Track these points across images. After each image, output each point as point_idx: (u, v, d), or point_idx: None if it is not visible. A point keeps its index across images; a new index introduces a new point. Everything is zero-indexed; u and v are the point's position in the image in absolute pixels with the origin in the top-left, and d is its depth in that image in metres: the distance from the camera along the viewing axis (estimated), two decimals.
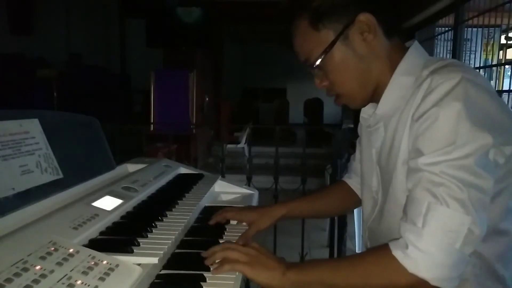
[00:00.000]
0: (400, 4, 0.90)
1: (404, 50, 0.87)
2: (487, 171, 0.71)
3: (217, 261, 0.82)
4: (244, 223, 1.10)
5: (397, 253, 0.71)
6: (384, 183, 0.91)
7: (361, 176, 1.05)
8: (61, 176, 0.95)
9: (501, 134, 0.73)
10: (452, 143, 0.71)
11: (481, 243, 0.75)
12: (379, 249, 0.76)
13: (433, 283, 0.68)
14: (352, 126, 6.73)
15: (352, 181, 1.19)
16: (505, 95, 3.12)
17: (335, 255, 2.65)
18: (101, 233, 0.83)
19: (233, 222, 1.10)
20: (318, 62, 0.85)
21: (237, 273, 0.80)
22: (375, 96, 0.90)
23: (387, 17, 0.85)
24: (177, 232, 0.88)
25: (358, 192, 1.17)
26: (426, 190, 0.71)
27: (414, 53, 0.87)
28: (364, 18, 0.82)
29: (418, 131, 0.76)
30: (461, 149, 0.70)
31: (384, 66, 0.86)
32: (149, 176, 1.20)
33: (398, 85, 0.85)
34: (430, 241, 0.68)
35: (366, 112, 0.99)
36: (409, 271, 0.69)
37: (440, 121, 0.72)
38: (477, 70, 3.17)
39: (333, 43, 0.83)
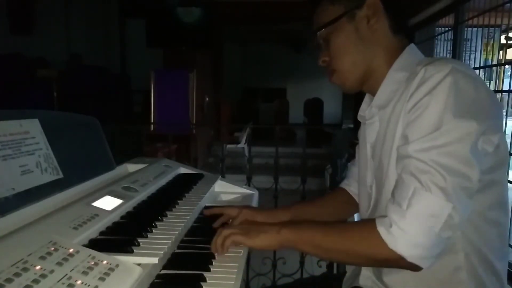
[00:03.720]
0: (406, 4, 0.99)
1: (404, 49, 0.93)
2: (474, 159, 0.74)
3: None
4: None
5: (381, 229, 0.76)
6: (377, 175, 0.94)
7: (358, 173, 1.07)
8: (61, 176, 0.95)
9: (488, 121, 0.76)
10: (437, 129, 0.75)
11: (472, 229, 0.80)
12: (366, 223, 0.82)
13: (409, 260, 0.74)
14: (352, 126, 6.74)
15: (351, 187, 1.21)
16: (505, 95, 3.12)
17: None
18: (101, 233, 0.83)
19: None
20: (322, 30, 0.93)
21: (236, 274, 0.80)
22: (368, 86, 0.96)
23: (395, 10, 0.92)
24: (177, 232, 0.88)
25: (356, 198, 1.19)
26: (413, 176, 0.75)
27: (410, 52, 0.92)
28: (372, 2, 0.89)
29: (409, 119, 0.80)
30: (446, 135, 0.74)
31: (381, 55, 0.93)
32: (149, 176, 1.20)
33: (393, 80, 0.91)
34: (412, 222, 0.74)
35: (363, 110, 1.03)
36: (389, 247, 0.74)
37: (429, 109, 0.76)
38: (475, 69, 3.17)
39: (339, 17, 0.91)
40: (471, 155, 0.74)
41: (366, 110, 1.00)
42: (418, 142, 0.76)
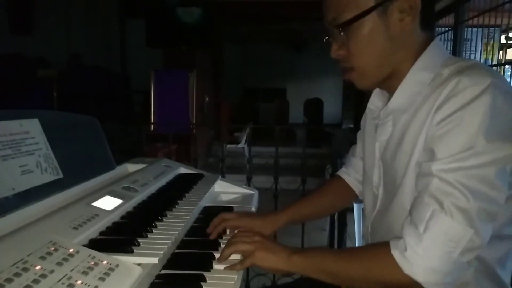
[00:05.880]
0: None
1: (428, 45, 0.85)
2: (501, 182, 0.70)
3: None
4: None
5: (395, 253, 0.72)
6: (386, 179, 0.90)
7: (363, 170, 1.04)
8: (61, 176, 0.95)
9: None
10: (470, 148, 0.69)
11: (485, 247, 0.74)
12: (380, 246, 0.77)
13: (426, 285, 0.70)
14: (352, 126, 6.73)
15: (350, 177, 1.19)
16: None
17: None
18: (101, 233, 0.83)
19: None
20: (346, 25, 0.81)
21: (236, 274, 0.80)
22: (387, 84, 0.88)
23: (430, 6, 0.84)
24: (177, 232, 0.88)
25: (354, 188, 1.18)
26: (433, 197, 0.71)
27: (435, 49, 0.84)
28: None
29: (436, 132, 0.74)
30: (478, 157, 0.69)
31: (408, 55, 0.84)
32: (149, 176, 1.20)
33: (415, 80, 0.83)
34: (429, 247, 0.69)
35: (373, 103, 0.98)
36: (404, 272, 0.70)
37: (461, 127, 0.70)
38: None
39: (369, 10, 0.79)
40: (499, 178, 0.69)
41: (381, 110, 0.93)
42: (444, 161, 0.71)
